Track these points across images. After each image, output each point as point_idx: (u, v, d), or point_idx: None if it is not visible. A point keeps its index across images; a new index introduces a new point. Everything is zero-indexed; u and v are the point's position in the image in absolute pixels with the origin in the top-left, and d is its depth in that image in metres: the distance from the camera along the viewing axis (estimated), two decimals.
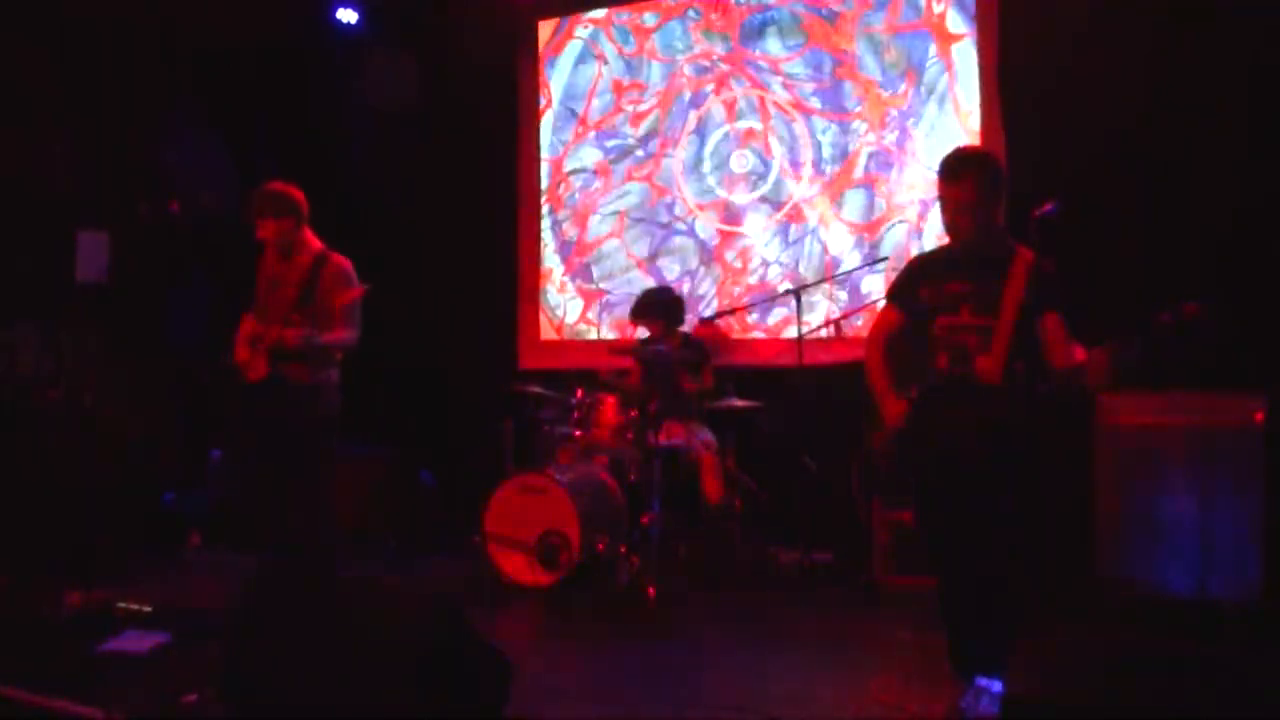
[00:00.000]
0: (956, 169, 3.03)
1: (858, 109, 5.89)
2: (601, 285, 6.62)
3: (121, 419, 5.57)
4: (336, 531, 4.42)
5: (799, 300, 5.18)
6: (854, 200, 5.90)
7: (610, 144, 6.61)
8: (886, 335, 3.29)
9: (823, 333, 5.36)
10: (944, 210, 3.07)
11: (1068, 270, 3.05)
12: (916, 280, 3.20)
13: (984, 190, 2.99)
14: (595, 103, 6.67)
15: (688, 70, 6.38)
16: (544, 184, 6.81)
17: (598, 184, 6.64)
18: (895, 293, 3.29)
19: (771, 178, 6.12)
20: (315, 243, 4.26)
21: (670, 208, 6.41)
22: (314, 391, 4.12)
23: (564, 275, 6.74)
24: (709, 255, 6.28)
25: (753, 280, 6.14)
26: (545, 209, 6.80)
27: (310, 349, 4.02)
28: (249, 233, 4.24)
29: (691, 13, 6.37)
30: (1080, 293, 3.07)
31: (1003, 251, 3.05)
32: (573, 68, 6.75)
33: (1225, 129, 4.73)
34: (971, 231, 3.02)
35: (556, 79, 6.78)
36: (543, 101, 6.84)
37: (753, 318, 6.11)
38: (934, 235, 5.48)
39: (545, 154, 6.81)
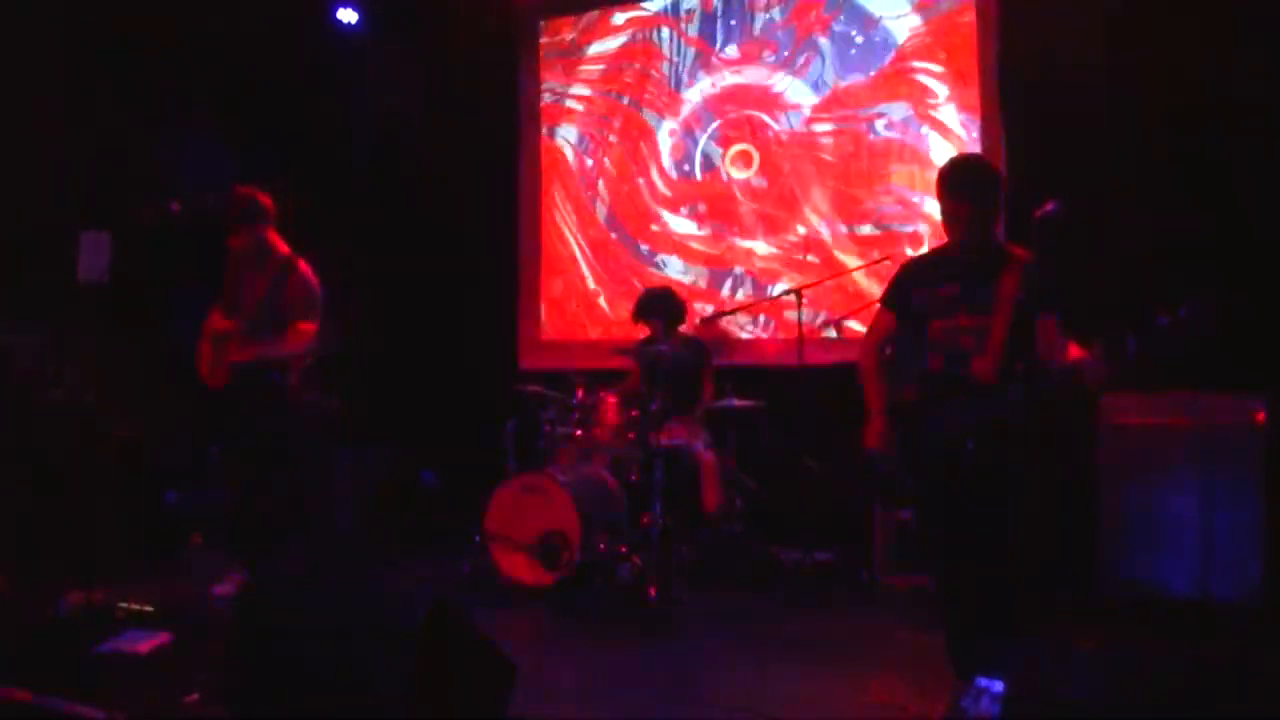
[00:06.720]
0: (957, 184, 3.06)
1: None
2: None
3: (122, 419, 5.55)
4: (336, 531, 4.43)
5: (800, 300, 5.17)
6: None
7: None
8: (880, 340, 3.32)
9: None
10: (945, 220, 3.09)
11: (1067, 270, 3.06)
12: (909, 284, 3.22)
13: (985, 202, 3.04)
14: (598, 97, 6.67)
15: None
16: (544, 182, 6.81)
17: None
18: (889, 297, 3.31)
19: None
20: (282, 246, 4.34)
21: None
22: (273, 394, 4.17)
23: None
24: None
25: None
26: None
27: (266, 362, 4.12)
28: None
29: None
30: (1076, 293, 3.08)
31: (995, 253, 3.09)
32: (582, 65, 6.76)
33: (1225, 128, 4.72)
34: (974, 239, 3.07)
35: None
36: (548, 98, 6.84)
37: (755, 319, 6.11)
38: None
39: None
